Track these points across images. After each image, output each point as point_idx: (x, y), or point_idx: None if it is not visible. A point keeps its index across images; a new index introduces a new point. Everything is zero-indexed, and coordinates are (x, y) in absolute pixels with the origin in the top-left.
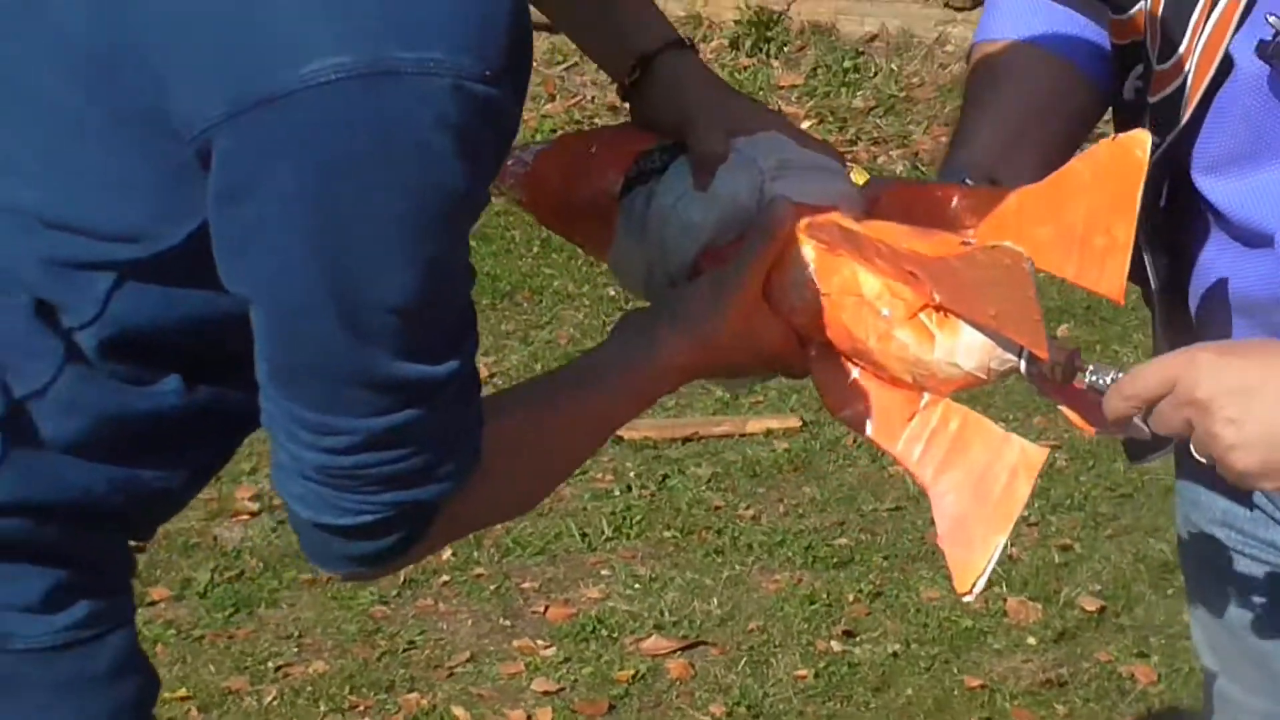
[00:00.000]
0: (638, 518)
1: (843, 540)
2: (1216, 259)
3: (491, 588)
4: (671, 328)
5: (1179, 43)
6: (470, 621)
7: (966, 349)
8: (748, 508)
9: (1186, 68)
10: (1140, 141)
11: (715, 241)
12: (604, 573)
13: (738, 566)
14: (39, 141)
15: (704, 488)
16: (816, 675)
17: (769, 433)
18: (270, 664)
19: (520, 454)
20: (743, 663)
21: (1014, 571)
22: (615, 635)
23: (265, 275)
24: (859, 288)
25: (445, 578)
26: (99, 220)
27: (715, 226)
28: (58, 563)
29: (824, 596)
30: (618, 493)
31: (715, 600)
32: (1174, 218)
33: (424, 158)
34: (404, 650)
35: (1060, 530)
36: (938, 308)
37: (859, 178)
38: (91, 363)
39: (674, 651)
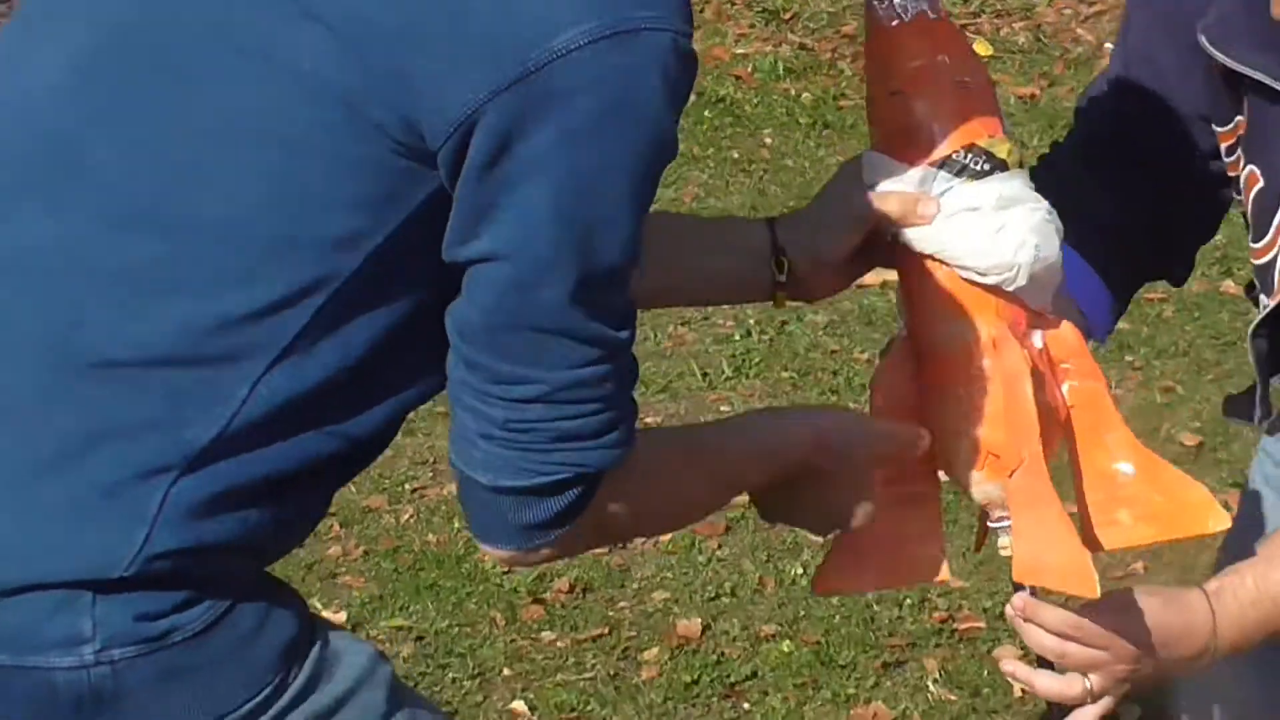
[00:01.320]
0: (756, 359)
1: None
2: None
3: None
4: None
5: (1266, 230)
6: None
7: (985, 493)
8: (862, 351)
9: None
10: (1220, 520)
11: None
12: (724, 409)
13: (852, 404)
14: (276, 171)
15: (821, 333)
16: None
17: (884, 284)
18: (407, 486)
19: (665, 476)
20: None
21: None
22: None
23: (515, 232)
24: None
25: None
26: (326, 232)
27: (961, 262)
28: (191, 585)
29: None
30: (738, 337)
31: None
32: None
33: (652, 110)
34: None
35: (1164, 374)
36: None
37: (981, 49)
38: (256, 417)
39: None
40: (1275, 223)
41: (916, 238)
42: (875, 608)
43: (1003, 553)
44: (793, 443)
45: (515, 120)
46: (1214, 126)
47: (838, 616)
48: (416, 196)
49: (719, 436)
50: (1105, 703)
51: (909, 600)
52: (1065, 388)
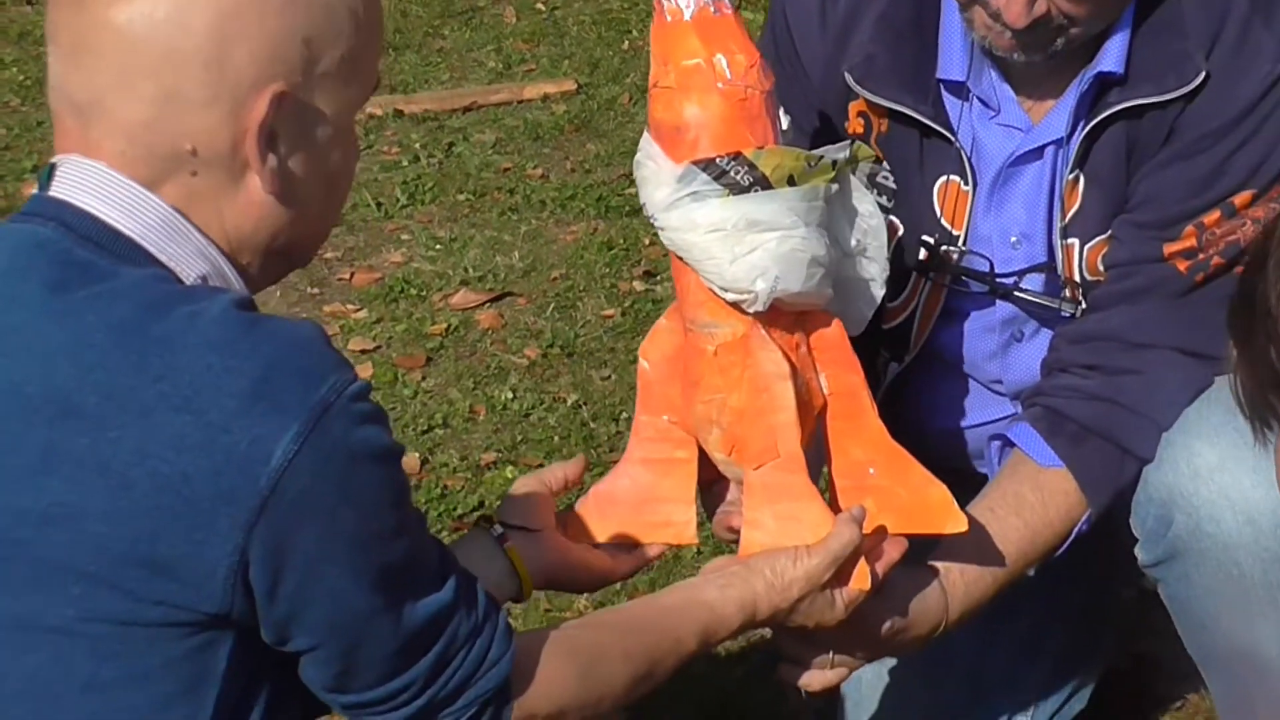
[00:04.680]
0: (430, 184)
1: (632, 190)
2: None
3: None
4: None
5: (904, 285)
6: (278, 292)
7: (731, 473)
8: (536, 168)
9: (914, 304)
10: (957, 523)
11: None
12: (404, 237)
13: (534, 221)
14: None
15: (490, 152)
16: (623, 314)
17: (546, 97)
18: None
19: (608, 661)
20: (550, 309)
21: None
22: (423, 294)
23: (326, 619)
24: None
25: None
26: None
27: (704, 275)
28: None
29: (621, 242)
30: (406, 163)
31: (516, 254)
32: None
33: (375, 448)
34: None
35: None
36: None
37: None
38: None
39: (483, 304)
40: (913, 276)
41: (667, 240)
42: (592, 425)
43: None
44: (726, 624)
45: (276, 540)
46: None
47: (556, 437)
48: (219, 662)
49: (657, 617)
50: (841, 672)
51: (625, 414)
52: (823, 378)
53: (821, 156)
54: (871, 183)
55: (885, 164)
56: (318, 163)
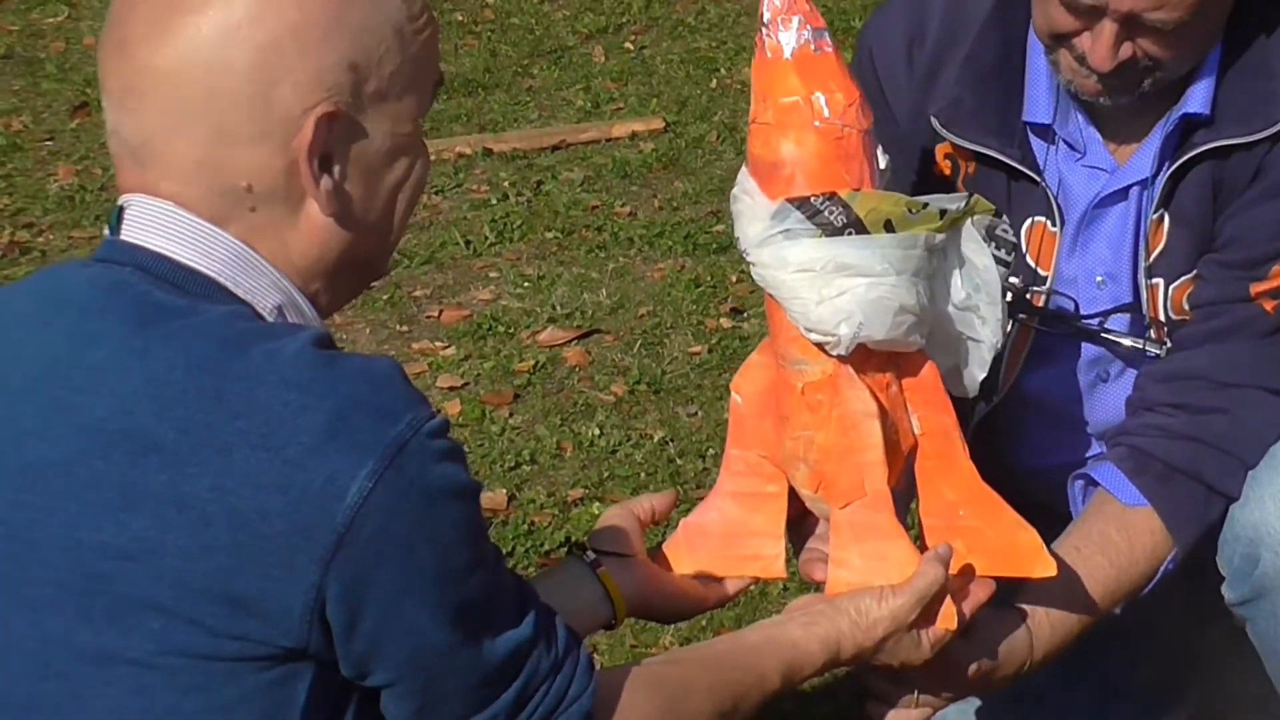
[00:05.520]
0: (518, 222)
1: (719, 228)
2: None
3: (384, 298)
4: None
5: None
6: (368, 330)
7: (819, 509)
8: (624, 205)
9: (1003, 344)
10: (1046, 568)
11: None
12: (492, 275)
13: (621, 259)
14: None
15: (579, 190)
16: (710, 351)
17: (634, 135)
18: None
19: (693, 694)
20: (638, 345)
21: None
22: (511, 331)
23: (406, 654)
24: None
25: None
26: None
27: (790, 314)
28: None
29: (708, 279)
30: (495, 201)
31: (604, 291)
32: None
33: (452, 485)
34: None
35: None
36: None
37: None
38: None
39: (570, 341)
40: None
41: (757, 275)
42: (679, 461)
43: None
44: (811, 662)
45: (354, 577)
46: None
47: (643, 474)
48: (299, 695)
49: (741, 653)
50: (926, 711)
51: (712, 451)
52: (915, 419)
53: (926, 204)
54: (990, 235)
55: (1005, 217)
56: (378, 178)
